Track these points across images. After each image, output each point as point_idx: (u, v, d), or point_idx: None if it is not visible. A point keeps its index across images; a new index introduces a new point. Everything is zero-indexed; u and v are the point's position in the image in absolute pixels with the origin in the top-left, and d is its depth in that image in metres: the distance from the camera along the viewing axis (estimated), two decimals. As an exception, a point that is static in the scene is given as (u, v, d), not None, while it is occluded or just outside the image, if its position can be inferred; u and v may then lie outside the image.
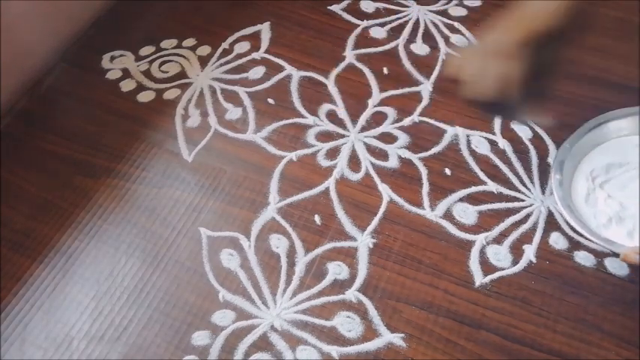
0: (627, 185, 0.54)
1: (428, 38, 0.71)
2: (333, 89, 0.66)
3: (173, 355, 0.50)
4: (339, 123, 0.64)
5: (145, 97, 0.67)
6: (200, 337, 0.51)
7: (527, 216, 0.56)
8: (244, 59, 0.70)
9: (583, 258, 0.54)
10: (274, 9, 0.74)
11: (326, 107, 0.65)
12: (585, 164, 0.57)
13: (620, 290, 0.52)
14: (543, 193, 0.57)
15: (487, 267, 0.54)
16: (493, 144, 0.61)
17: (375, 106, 0.65)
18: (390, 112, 0.64)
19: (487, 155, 0.60)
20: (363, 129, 0.63)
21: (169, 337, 0.51)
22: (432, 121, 0.63)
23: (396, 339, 0.50)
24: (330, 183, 0.59)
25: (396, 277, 0.53)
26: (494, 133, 0.62)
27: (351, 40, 0.71)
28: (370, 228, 0.56)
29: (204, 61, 0.70)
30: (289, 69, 0.68)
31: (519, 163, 0.60)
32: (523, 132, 0.62)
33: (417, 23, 0.72)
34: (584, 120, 0.62)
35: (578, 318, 0.51)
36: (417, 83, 0.66)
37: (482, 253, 0.54)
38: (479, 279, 0.53)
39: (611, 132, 0.58)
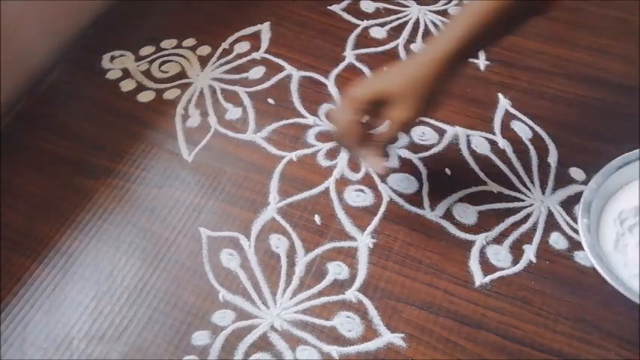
0: None
1: (428, 38, 0.71)
2: (333, 89, 0.66)
3: (173, 355, 0.50)
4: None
5: (144, 97, 0.67)
6: (200, 337, 0.51)
7: (527, 216, 0.56)
8: (244, 59, 0.70)
9: (583, 258, 0.54)
10: (274, 9, 0.74)
11: (326, 107, 0.65)
12: (613, 206, 0.51)
13: (620, 290, 0.52)
14: (543, 193, 0.57)
15: (487, 267, 0.54)
16: (493, 144, 0.61)
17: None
18: (390, 112, 0.64)
19: (487, 155, 0.60)
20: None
21: (169, 337, 0.51)
22: (432, 121, 0.63)
23: (396, 339, 0.50)
24: (330, 183, 0.59)
25: (396, 277, 0.53)
26: (494, 133, 0.62)
27: (351, 40, 0.71)
28: (370, 228, 0.56)
29: (204, 61, 0.70)
30: (289, 69, 0.68)
31: (519, 163, 0.60)
32: (523, 132, 0.62)
33: (417, 23, 0.72)
34: (583, 119, 0.62)
35: (578, 318, 0.51)
36: (417, 83, 0.66)
37: (482, 253, 0.54)
38: (479, 279, 0.53)
39: None
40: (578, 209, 0.51)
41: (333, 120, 0.53)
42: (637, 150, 0.52)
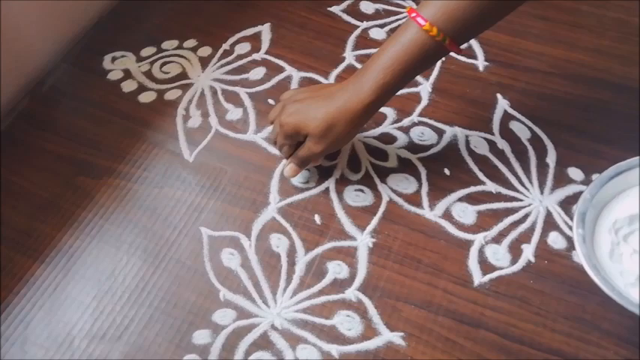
0: None
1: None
2: (333, 90, 0.67)
3: (174, 354, 0.50)
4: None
5: (146, 97, 0.68)
6: (201, 336, 0.51)
7: (526, 216, 0.56)
8: (245, 60, 0.70)
9: (581, 257, 0.54)
10: (275, 10, 0.75)
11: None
12: (607, 215, 0.51)
13: (619, 289, 0.52)
14: (542, 193, 0.58)
15: (486, 266, 0.54)
16: (492, 144, 0.61)
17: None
18: (390, 112, 0.64)
19: (486, 155, 0.61)
20: (363, 129, 0.63)
21: (170, 336, 0.51)
22: (431, 122, 0.63)
23: (396, 338, 0.50)
24: (330, 183, 0.60)
25: (396, 277, 0.54)
26: (493, 134, 0.62)
27: (350, 41, 0.71)
28: (370, 228, 0.57)
29: (205, 62, 0.70)
30: (289, 70, 0.69)
31: (518, 163, 0.60)
32: (522, 132, 0.62)
33: (416, 24, 0.72)
34: (582, 120, 0.62)
35: (577, 317, 0.51)
36: (416, 84, 0.66)
37: (481, 252, 0.55)
38: (478, 278, 0.53)
39: (634, 179, 0.52)
40: (573, 220, 0.50)
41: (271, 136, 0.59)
42: (629, 160, 0.52)
